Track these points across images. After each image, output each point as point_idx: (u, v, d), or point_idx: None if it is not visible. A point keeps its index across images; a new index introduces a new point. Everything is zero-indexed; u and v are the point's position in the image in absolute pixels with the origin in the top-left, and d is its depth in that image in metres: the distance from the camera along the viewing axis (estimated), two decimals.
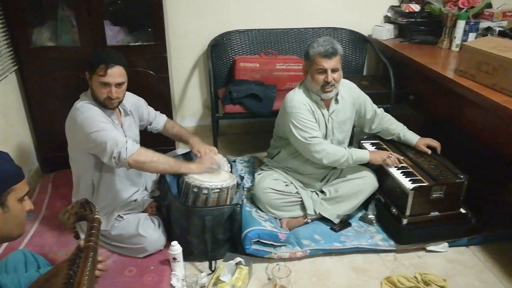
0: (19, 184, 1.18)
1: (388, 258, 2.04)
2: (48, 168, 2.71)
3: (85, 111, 1.87)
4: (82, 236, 1.46)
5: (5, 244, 1.93)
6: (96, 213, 1.57)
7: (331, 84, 2.04)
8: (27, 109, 2.61)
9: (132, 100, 2.13)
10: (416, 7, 3.02)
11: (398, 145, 2.35)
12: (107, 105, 1.91)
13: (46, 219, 2.23)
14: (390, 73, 2.76)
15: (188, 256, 1.96)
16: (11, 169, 1.16)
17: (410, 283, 1.82)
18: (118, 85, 1.88)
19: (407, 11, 3.01)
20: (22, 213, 1.20)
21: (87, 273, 1.31)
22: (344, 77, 2.22)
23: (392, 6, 3.16)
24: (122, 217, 2.02)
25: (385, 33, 3.09)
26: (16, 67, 2.49)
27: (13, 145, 2.41)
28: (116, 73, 1.86)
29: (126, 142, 1.83)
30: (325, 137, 2.19)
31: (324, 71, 2.01)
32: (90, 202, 1.61)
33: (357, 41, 3.17)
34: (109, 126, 1.87)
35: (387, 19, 3.19)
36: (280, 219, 2.17)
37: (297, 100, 2.10)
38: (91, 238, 1.44)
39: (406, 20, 3.01)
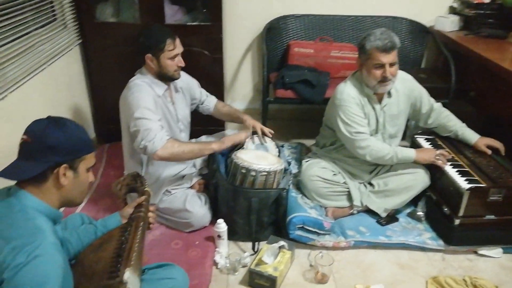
0: (90, 155, 1.25)
1: (435, 257, 1.97)
2: (103, 139, 2.83)
3: (136, 91, 1.91)
4: None
5: (62, 209, 2.04)
6: (146, 186, 1.64)
7: (389, 78, 1.97)
8: (88, 82, 2.73)
9: (184, 79, 2.17)
10: None
11: (455, 143, 2.25)
12: (176, 76, 1.99)
13: (101, 187, 2.34)
14: (452, 67, 2.63)
15: (233, 235, 1.99)
16: (87, 140, 1.24)
17: (458, 286, 1.76)
18: (181, 54, 1.98)
19: (475, 2, 2.85)
20: (87, 182, 1.28)
21: (137, 240, 1.38)
22: (400, 69, 2.14)
23: None
24: (170, 192, 2.08)
25: (449, 24, 2.94)
26: (80, 41, 2.60)
27: (74, 116, 2.53)
28: (179, 43, 1.97)
29: (156, 135, 1.82)
30: (376, 131, 2.13)
31: (382, 65, 1.95)
32: (141, 175, 1.68)
33: (418, 32, 3.04)
34: (152, 115, 1.87)
35: (452, 10, 3.03)
36: (325, 208, 2.15)
37: (347, 93, 2.05)
38: (141, 209, 1.51)
39: (473, 12, 2.85)
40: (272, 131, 2.23)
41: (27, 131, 1.16)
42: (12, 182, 1.18)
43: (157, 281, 1.47)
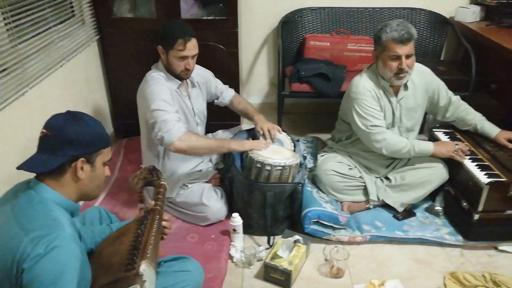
0: (107, 149, 1.28)
1: (453, 253, 1.94)
2: (121, 134, 2.88)
3: (153, 84, 1.93)
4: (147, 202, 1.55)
5: (81, 202, 2.09)
6: (163, 179, 1.66)
7: (405, 70, 1.94)
8: (106, 77, 2.77)
9: (200, 73, 2.17)
10: None
11: (474, 136, 2.20)
12: (183, 76, 1.97)
13: (118, 181, 2.38)
14: (472, 59, 2.57)
15: (248, 229, 2.00)
16: (104, 134, 1.27)
17: (477, 282, 1.73)
18: (193, 56, 1.94)
19: None
20: (103, 176, 1.30)
21: (153, 233, 1.40)
22: (419, 62, 2.11)
23: None
24: (187, 186, 2.10)
25: (470, 15, 2.86)
26: (98, 36, 2.63)
27: (92, 111, 2.58)
28: (193, 46, 1.91)
29: (174, 127, 1.83)
30: (393, 124, 2.10)
31: (398, 57, 1.91)
32: (157, 169, 1.70)
33: (437, 23, 2.98)
34: (169, 106, 1.88)
35: (473, 0, 2.96)
36: (341, 202, 2.14)
37: (362, 86, 2.02)
38: (157, 202, 1.53)
39: (495, 2, 2.78)
40: (280, 128, 2.19)
41: (47, 125, 1.19)
42: (31, 175, 1.21)
43: (172, 274, 1.49)
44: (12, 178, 1.33)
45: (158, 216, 1.49)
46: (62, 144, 1.16)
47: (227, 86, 2.35)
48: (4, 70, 1.71)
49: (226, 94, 2.32)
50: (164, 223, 1.50)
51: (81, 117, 1.23)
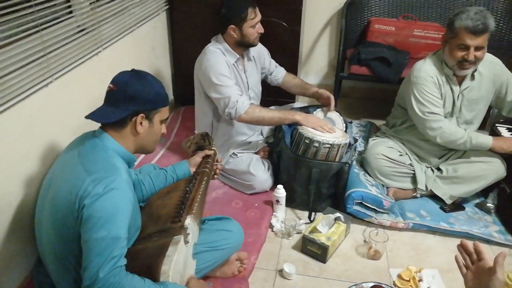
0: (165, 108, 1.37)
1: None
2: (180, 102, 3.02)
3: (211, 58, 2.01)
4: None
5: (139, 160, 2.25)
6: (214, 145, 1.75)
7: (471, 61, 1.85)
8: (171, 47, 2.90)
9: (256, 47, 2.22)
10: None
11: None
12: (256, 42, 2.07)
13: (174, 145, 2.52)
14: None
15: (291, 202, 2.06)
16: (164, 94, 1.36)
17: None
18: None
19: None
20: (159, 132, 1.40)
21: (200, 192, 1.51)
22: (493, 52, 1.99)
23: None
24: (236, 155, 2.18)
25: None
26: (167, 7, 2.76)
27: (155, 76, 2.71)
28: (258, 10, 2.02)
29: (237, 101, 1.95)
30: (451, 114, 2.03)
31: (467, 47, 1.83)
32: (209, 135, 1.80)
33: None
34: (230, 81, 1.99)
35: None
36: (387, 187, 2.12)
37: (425, 71, 1.96)
38: (206, 165, 1.63)
39: None
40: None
41: (113, 81, 1.31)
42: (98, 125, 1.34)
43: (215, 232, 1.58)
44: (82, 127, 1.47)
45: (206, 177, 1.59)
46: (125, 99, 1.27)
47: (279, 65, 2.40)
48: (82, 30, 1.86)
49: (279, 70, 2.36)
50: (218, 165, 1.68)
51: (144, 76, 1.33)
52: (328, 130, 2.02)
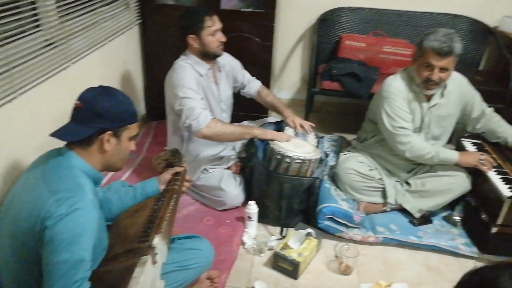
0: (134, 125, 1.35)
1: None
2: (152, 116, 2.99)
3: (180, 72, 2.01)
4: None
5: (108, 177, 2.21)
6: (184, 162, 1.73)
7: (435, 82, 1.92)
8: (143, 61, 2.88)
9: (228, 59, 2.24)
10: None
11: (502, 149, 2.15)
12: (219, 52, 2.08)
13: (145, 161, 2.49)
14: (511, 71, 2.50)
15: (262, 218, 2.05)
16: (133, 110, 1.34)
17: None
18: (221, 30, 2.06)
19: None
20: (128, 150, 1.38)
21: (169, 211, 1.48)
22: (457, 70, 2.07)
23: None
24: (207, 170, 2.17)
25: None
26: (140, 21, 2.74)
27: (126, 91, 2.64)
28: (217, 19, 2.04)
29: (200, 114, 1.93)
30: (420, 130, 2.09)
31: (432, 67, 1.89)
32: (179, 151, 1.78)
33: (479, 32, 2.90)
34: (195, 94, 1.98)
35: None
36: (358, 202, 2.15)
37: (395, 86, 2.01)
38: (176, 183, 1.61)
39: None
40: (313, 125, 2.25)
41: (80, 97, 1.28)
42: (64, 143, 1.30)
43: (184, 251, 1.56)
44: (47, 144, 1.43)
45: (175, 195, 1.56)
46: (92, 116, 1.24)
47: (254, 77, 2.40)
48: (51, 44, 1.82)
49: (252, 84, 2.37)
50: (186, 184, 1.65)
51: (112, 92, 1.31)
52: (285, 139, 2.06)
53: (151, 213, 1.47)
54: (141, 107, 2.95)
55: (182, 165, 1.71)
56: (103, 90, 1.30)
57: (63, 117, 1.34)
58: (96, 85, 1.33)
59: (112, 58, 2.43)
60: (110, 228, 1.48)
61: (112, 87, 1.34)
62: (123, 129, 1.31)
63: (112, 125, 1.27)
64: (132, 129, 1.35)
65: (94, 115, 1.24)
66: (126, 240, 1.41)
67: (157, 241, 1.34)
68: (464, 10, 2.89)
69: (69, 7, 1.94)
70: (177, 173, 1.66)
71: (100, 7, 2.26)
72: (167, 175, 1.62)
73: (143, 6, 2.71)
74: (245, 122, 2.49)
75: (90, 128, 1.25)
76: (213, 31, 2.01)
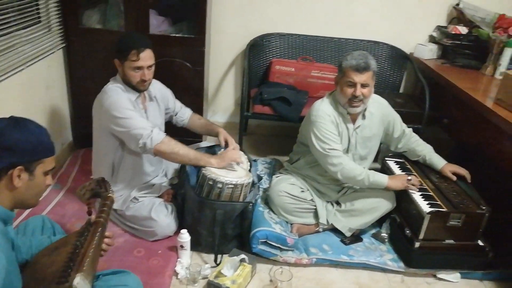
0: (49, 159, 1.26)
1: (395, 279, 2.00)
2: (79, 144, 2.84)
3: (113, 95, 1.94)
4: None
5: (27, 211, 2.05)
6: (111, 192, 1.64)
7: (359, 99, 2.02)
8: (69, 86, 2.75)
9: (158, 87, 2.20)
10: (463, 30, 2.93)
11: (422, 167, 2.30)
12: (140, 87, 1.99)
13: (70, 191, 2.34)
14: (426, 94, 2.70)
15: (196, 246, 2.00)
16: (48, 143, 1.25)
17: None
18: (149, 67, 1.97)
19: (453, 32, 2.93)
20: (43, 185, 1.28)
21: (93, 246, 1.38)
22: (379, 93, 2.20)
23: (438, 26, 3.09)
24: (137, 199, 2.09)
25: (428, 52, 3.02)
26: (64, 45, 2.63)
27: (51, 118, 2.54)
28: (147, 56, 1.94)
29: (152, 131, 1.89)
30: (347, 151, 2.17)
31: (354, 84, 2.00)
32: (106, 180, 1.69)
33: (397, 58, 3.12)
34: (135, 114, 1.93)
35: (432, 39, 3.12)
36: (291, 224, 2.17)
37: (323, 110, 2.09)
38: (101, 215, 1.51)
39: (451, 42, 2.93)
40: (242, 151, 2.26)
41: None
42: None
43: None
44: None
45: (100, 228, 1.47)
46: None
47: (184, 105, 2.38)
48: None
49: (184, 111, 2.34)
50: (106, 240, 1.48)
51: (24, 123, 1.22)
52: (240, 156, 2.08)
53: (72, 250, 1.37)
54: (67, 134, 2.80)
55: (109, 195, 1.63)
56: (13, 121, 1.21)
57: None
58: (15, 112, 1.25)
59: (32, 84, 2.29)
60: (26, 269, 1.36)
61: (24, 117, 1.25)
62: (36, 163, 1.22)
63: (23, 159, 1.19)
64: (48, 163, 1.27)
65: (2, 149, 1.15)
66: (43, 281, 1.30)
67: (78, 281, 1.25)
68: (383, 38, 3.10)
69: None
70: (103, 204, 1.58)
71: (16, 30, 2.14)
72: None
73: (67, 30, 2.61)
74: None
75: None
76: (135, 66, 1.92)
